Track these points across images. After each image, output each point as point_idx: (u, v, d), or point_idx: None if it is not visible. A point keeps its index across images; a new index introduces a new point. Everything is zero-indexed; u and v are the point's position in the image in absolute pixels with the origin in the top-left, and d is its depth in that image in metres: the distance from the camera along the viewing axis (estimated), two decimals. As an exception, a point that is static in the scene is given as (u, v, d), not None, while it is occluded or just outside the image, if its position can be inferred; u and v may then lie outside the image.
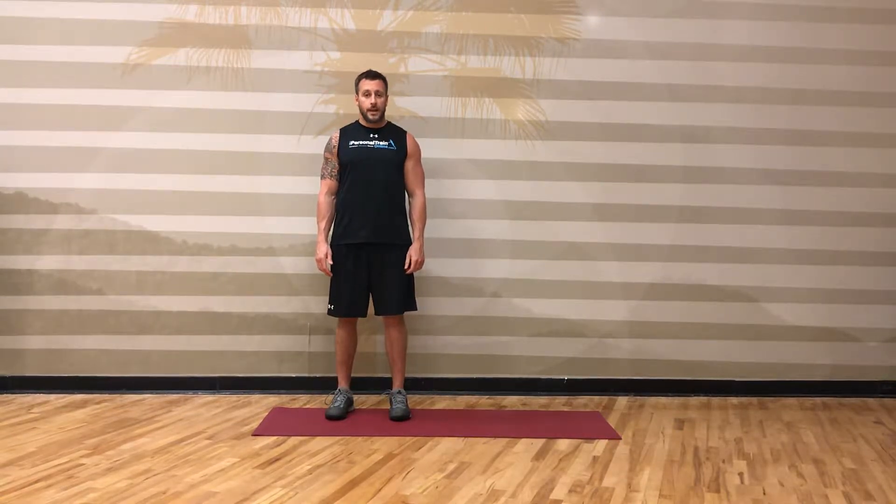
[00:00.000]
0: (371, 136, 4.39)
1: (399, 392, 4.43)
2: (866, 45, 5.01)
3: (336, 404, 4.36)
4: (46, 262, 4.88)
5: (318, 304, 4.84)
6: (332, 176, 4.41)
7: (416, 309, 4.52)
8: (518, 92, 4.98)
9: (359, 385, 4.85)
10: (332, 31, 4.93)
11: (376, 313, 4.47)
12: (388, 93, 4.47)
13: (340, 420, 4.29)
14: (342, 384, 4.47)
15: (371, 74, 4.38)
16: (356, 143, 4.37)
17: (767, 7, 4.99)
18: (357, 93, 4.38)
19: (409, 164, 4.44)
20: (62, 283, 4.89)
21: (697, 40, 5.00)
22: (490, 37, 4.97)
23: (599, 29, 4.98)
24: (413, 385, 4.85)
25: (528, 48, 4.97)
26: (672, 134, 5.01)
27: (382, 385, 4.90)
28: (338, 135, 4.44)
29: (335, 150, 4.40)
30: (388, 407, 4.45)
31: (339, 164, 4.39)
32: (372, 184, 4.33)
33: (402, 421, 4.28)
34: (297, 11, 4.91)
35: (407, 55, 4.94)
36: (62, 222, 4.88)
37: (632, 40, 4.98)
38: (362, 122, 4.41)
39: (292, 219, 4.92)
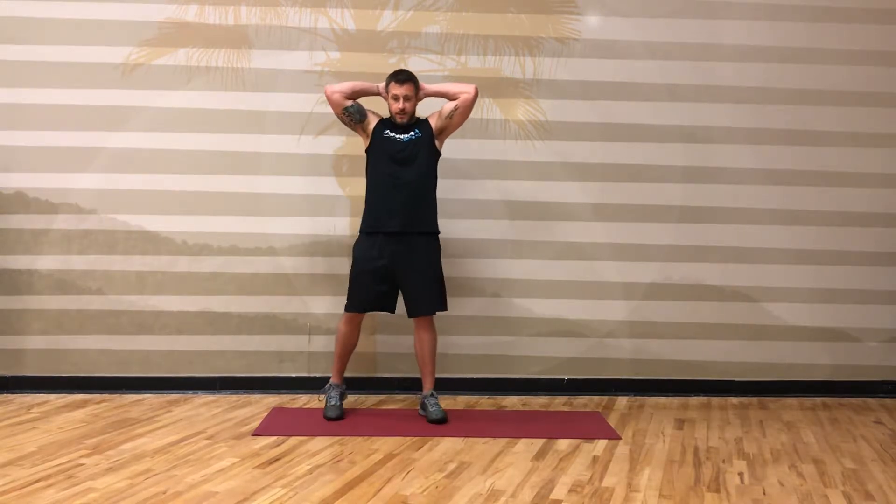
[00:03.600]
0: (400, 130, 4.32)
1: (432, 394, 4.33)
2: (866, 45, 5.01)
3: (332, 403, 4.32)
4: (46, 262, 4.88)
5: (318, 304, 4.85)
6: (357, 111, 4.31)
7: (446, 309, 4.40)
8: (518, 92, 4.98)
9: (359, 385, 4.85)
10: (332, 31, 4.93)
11: (409, 315, 4.36)
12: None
13: (339, 420, 4.24)
14: (335, 379, 4.41)
15: (400, 78, 4.29)
16: (391, 133, 4.31)
17: (767, 7, 4.99)
18: (388, 93, 4.32)
19: (443, 120, 4.34)
20: (62, 283, 4.89)
21: (697, 40, 5.00)
22: (490, 37, 4.97)
23: (599, 29, 4.98)
24: (413, 385, 4.84)
25: (528, 48, 4.97)
26: (672, 134, 5.01)
27: (382, 385, 4.92)
28: (378, 119, 4.37)
29: (371, 129, 4.32)
30: (420, 412, 4.36)
31: (370, 143, 4.32)
32: (402, 178, 4.26)
33: (442, 423, 4.17)
34: (297, 11, 4.91)
35: (407, 55, 4.95)
36: (62, 222, 4.88)
37: (632, 40, 4.98)
38: (392, 120, 4.37)
39: (292, 219, 4.92)
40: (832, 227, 5.06)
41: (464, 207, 4.97)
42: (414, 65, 4.93)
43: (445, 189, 4.93)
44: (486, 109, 4.97)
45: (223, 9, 4.89)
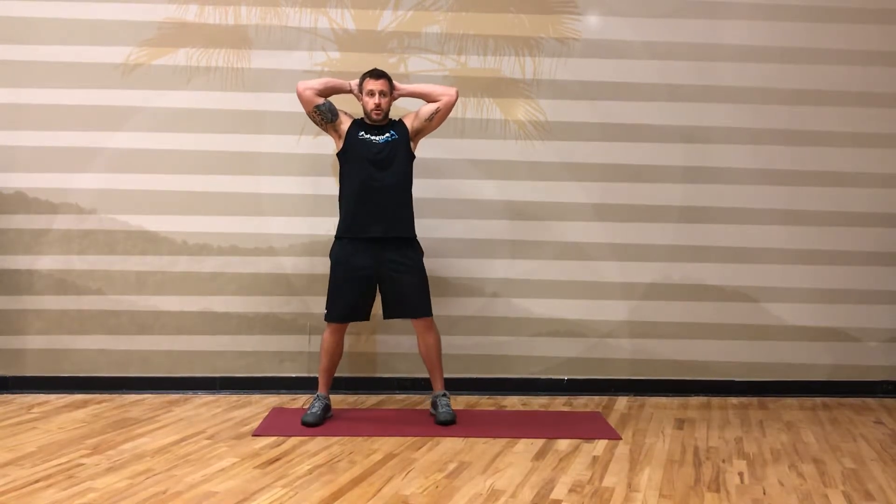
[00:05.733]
0: (375, 132, 4.26)
1: (444, 394, 4.31)
2: (866, 45, 5.01)
3: (312, 410, 4.19)
4: (46, 262, 4.88)
5: (318, 304, 4.82)
6: (329, 110, 4.25)
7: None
8: (518, 92, 4.98)
9: (359, 385, 4.86)
10: (332, 31, 4.93)
11: (401, 316, 4.31)
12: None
13: (316, 427, 4.10)
14: (322, 390, 4.32)
15: (375, 74, 4.26)
16: (366, 135, 4.25)
17: (767, 7, 4.99)
18: (361, 92, 4.29)
19: (422, 122, 4.29)
20: (62, 283, 4.89)
21: (697, 40, 5.00)
22: (490, 37, 4.97)
23: (599, 29, 4.98)
24: (413, 385, 4.86)
25: (528, 48, 4.97)
26: (672, 134, 5.01)
27: (382, 385, 4.92)
28: (351, 120, 4.30)
29: (344, 131, 4.25)
30: (431, 411, 4.34)
31: (344, 146, 4.26)
32: (381, 181, 4.20)
33: (450, 425, 4.15)
34: (297, 11, 4.91)
35: (407, 55, 4.95)
36: (62, 222, 4.88)
37: (632, 40, 4.98)
38: (367, 120, 4.32)
39: (292, 219, 4.93)
40: (832, 227, 5.06)
41: (464, 207, 4.98)
42: (414, 65, 4.93)
43: (445, 189, 4.94)
44: (486, 109, 4.97)
45: (223, 9, 4.89)
